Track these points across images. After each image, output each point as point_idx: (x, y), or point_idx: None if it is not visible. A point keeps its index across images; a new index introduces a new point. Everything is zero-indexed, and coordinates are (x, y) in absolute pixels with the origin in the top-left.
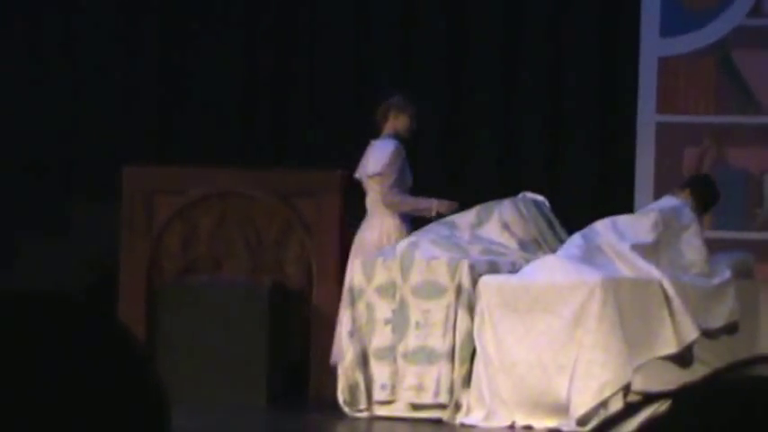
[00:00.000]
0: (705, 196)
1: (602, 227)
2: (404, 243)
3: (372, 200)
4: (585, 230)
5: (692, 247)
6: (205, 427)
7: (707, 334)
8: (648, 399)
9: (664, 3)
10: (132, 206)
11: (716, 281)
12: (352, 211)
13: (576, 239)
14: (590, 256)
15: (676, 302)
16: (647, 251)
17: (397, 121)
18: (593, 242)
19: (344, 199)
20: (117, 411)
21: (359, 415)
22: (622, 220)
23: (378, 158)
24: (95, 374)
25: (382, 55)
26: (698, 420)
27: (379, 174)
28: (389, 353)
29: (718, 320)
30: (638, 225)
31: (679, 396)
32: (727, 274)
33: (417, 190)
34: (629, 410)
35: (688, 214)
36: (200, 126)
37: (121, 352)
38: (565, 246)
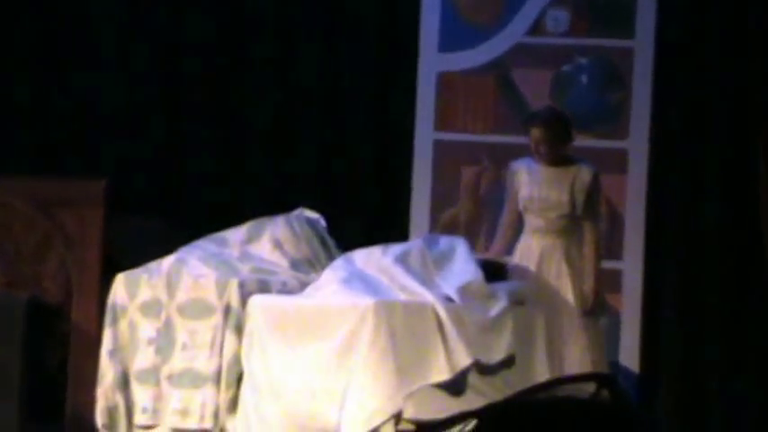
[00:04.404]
0: None
1: (371, 250)
2: (170, 259)
3: None
4: (350, 254)
5: (464, 269)
6: None
7: (485, 367)
8: (453, 419)
9: (443, 16)
10: None
11: (493, 312)
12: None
13: (342, 261)
14: (361, 279)
15: (449, 327)
16: (419, 272)
17: None
18: (362, 264)
19: (108, 211)
20: None
21: None
22: (393, 246)
23: None
24: None
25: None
26: None
27: None
28: (152, 375)
29: (497, 354)
30: (408, 247)
31: (484, 416)
32: (504, 301)
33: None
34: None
35: (460, 240)
36: None
37: None
38: (332, 267)
